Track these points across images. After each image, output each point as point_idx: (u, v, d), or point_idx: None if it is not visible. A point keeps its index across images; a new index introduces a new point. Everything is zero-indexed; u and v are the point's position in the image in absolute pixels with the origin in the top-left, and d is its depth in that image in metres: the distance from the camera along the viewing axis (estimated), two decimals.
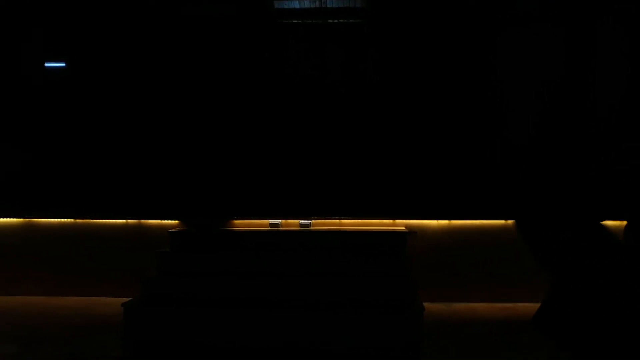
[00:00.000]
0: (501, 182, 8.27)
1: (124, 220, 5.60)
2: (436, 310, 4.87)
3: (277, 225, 5.54)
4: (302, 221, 5.52)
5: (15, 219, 5.67)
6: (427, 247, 5.20)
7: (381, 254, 5.03)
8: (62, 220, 5.63)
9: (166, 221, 5.56)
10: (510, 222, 5.31)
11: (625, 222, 1.89)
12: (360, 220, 5.54)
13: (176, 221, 5.58)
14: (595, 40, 7.73)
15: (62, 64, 8.64)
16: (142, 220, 5.60)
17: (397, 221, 5.44)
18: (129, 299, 4.69)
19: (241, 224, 5.63)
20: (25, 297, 5.40)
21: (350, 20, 9.05)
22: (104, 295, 5.32)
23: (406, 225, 5.35)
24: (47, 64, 8.27)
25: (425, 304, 4.50)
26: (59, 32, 8.35)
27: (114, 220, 5.60)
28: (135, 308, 4.58)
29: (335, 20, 9.09)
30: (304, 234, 5.36)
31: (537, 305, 5.23)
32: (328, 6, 8.89)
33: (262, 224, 5.57)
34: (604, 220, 1.37)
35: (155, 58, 8.87)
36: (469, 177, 8.51)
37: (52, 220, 5.64)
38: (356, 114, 8.93)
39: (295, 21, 9.11)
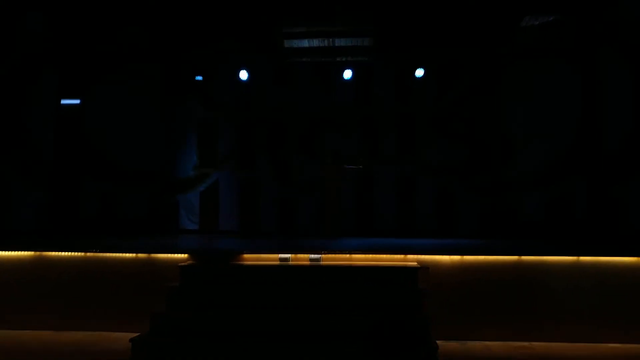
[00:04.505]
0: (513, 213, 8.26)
1: (134, 254, 5.58)
2: (450, 349, 4.74)
3: (286, 259, 5.50)
4: (312, 255, 5.48)
5: (25, 252, 5.67)
6: (439, 283, 5.11)
7: (393, 290, 4.96)
8: (72, 253, 5.62)
9: (176, 255, 5.53)
10: (524, 257, 5.24)
11: None
12: (370, 255, 5.49)
13: (186, 255, 5.56)
14: (601, 75, 7.85)
15: (77, 101, 8.88)
16: (152, 254, 5.58)
17: (409, 256, 5.38)
18: (138, 334, 4.64)
19: (251, 258, 5.59)
20: (34, 332, 5.32)
21: (359, 59, 9.26)
22: (113, 330, 5.23)
23: (417, 261, 5.29)
24: (62, 101, 8.52)
25: (439, 342, 4.40)
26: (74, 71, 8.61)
27: (123, 254, 5.58)
28: (144, 343, 4.52)
29: (344, 59, 9.30)
30: (314, 269, 5.31)
31: (555, 344, 5.09)
32: (337, 45, 9.12)
33: (271, 258, 5.53)
34: None
35: (172, 94, 9.06)
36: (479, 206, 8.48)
37: (62, 253, 5.63)
38: (365, 147, 9.00)
39: (305, 60, 9.33)
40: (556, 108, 8.15)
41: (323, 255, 5.47)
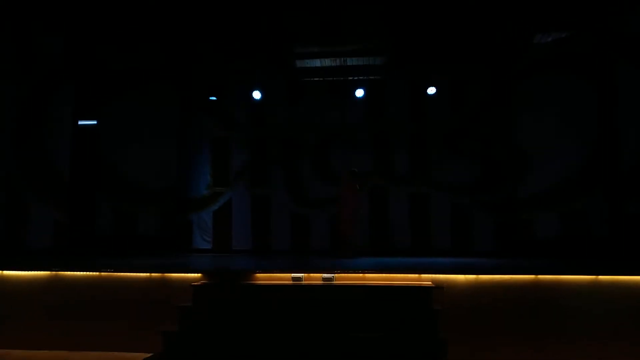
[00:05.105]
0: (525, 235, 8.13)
1: (148, 274, 5.59)
2: None
3: (299, 279, 5.46)
4: (325, 275, 5.43)
5: (41, 272, 5.71)
6: (454, 303, 5.03)
7: (407, 310, 4.90)
8: (87, 273, 5.65)
9: (189, 274, 5.53)
10: (541, 277, 5.14)
11: None
12: (384, 275, 5.43)
13: (199, 274, 5.56)
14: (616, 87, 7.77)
15: (93, 122, 9.02)
16: (165, 274, 5.58)
17: (423, 275, 5.31)
18: (151, 354, 4.63)
19: (263, 277, 5.56)
20: (49, 352, 5.34)
21: (370, 77, 9.30)
22: (126, 350, 5.23)
23: (432, 280, 5.22)
24: (80, 122, 8.66)
25: None
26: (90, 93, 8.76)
27: (137, 274, 5.60)
28: None
29: (356, 78, 9.36)
30: (327, 288, 5.26)
31: None
32: (348, 64, 9.18)
33: (284, 277, 5.50)
34: None
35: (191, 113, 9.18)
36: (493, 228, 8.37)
37: (77, 273, 5.67)
38: (379, 164, 8.99)
39: (317, 79, 9.39)
40: (571, 123, 8.08)
41: (336, 274, 5.42)
